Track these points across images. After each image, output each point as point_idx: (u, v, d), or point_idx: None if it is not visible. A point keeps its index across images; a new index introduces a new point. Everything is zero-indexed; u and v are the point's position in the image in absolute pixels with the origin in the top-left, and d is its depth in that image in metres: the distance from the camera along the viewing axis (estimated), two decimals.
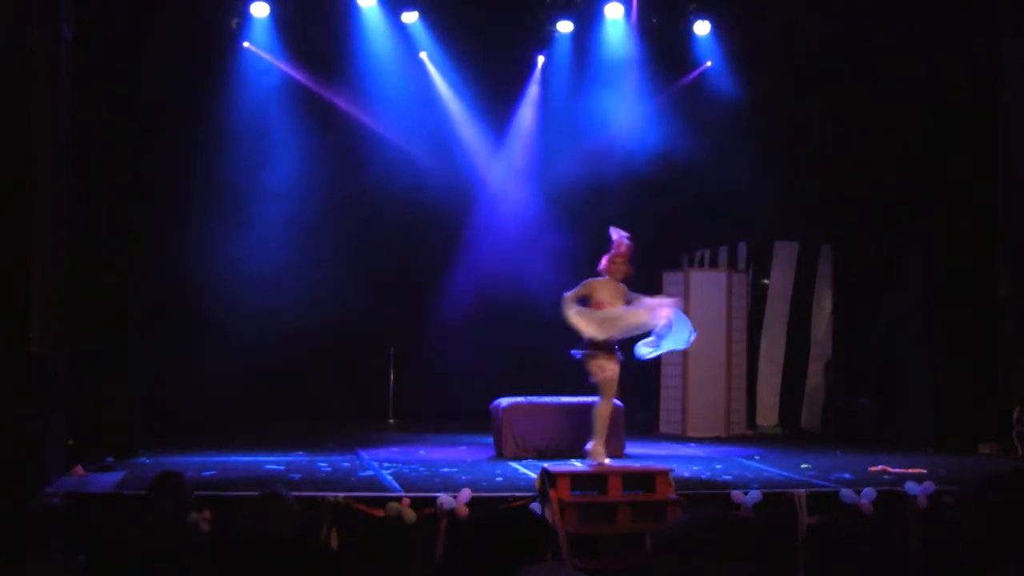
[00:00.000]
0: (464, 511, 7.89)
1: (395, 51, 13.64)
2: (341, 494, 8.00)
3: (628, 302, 9.64)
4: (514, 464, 10.14)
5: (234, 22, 12.93)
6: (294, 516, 5.25)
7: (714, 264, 14.30)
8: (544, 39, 13.82)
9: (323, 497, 7.88)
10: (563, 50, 13.99)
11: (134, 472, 9.08)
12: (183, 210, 13.27)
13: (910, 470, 9.61)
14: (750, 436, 13.29)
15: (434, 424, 13.20)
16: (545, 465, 8.42)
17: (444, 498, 7.98)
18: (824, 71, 13.18)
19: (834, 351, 13.95)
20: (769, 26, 13.04)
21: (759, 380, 13.91)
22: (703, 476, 9.48)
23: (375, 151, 13.81)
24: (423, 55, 13.84)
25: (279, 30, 13.13)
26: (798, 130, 13.50)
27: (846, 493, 8.46)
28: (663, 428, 13.50)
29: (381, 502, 7.99)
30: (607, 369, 9.48)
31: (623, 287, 9.64)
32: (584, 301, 9.53)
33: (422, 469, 9.68)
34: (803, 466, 10.05)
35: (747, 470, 9.91)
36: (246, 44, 13.18)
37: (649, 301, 9.70)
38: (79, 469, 8.98)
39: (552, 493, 7.88)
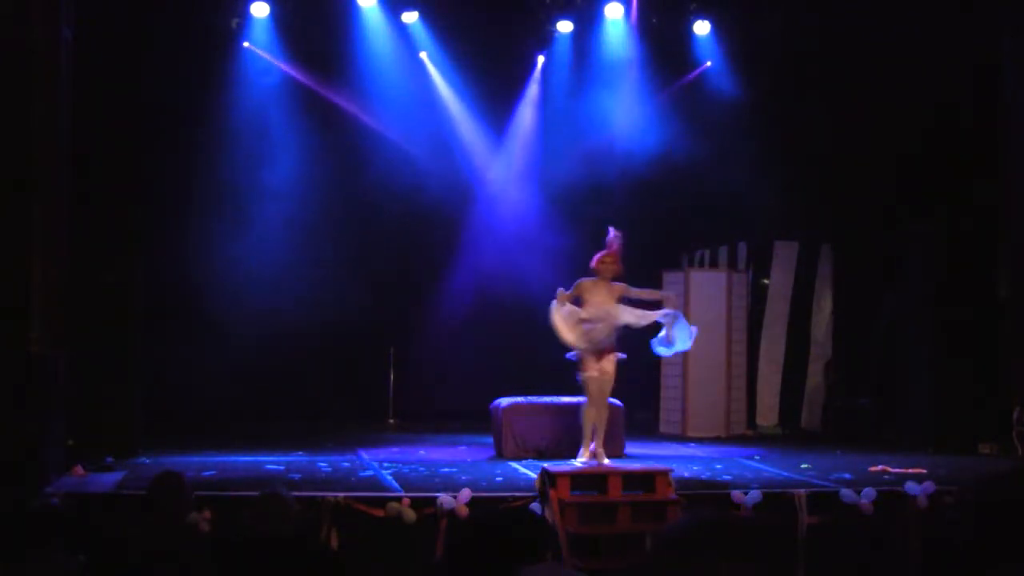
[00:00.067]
0: (464, 511, 7.89)
1: (395, 51, 13.64)
2: (341, 494, 8.00)
3: (625, 299, 9.63)
4: (514, 464, 10.14)
5: (234, 22, 12.93)
6: (294, 516, 5.25)
7: (714, 264, 14.30)
8: (544, 39, 13.82)
9: (323, 497, 7.88)
10: (563, 50, 13.99)
11: (134, 472, 9.08)
12: (183, 210, 13.27)
13: (910, 470, 9.61)
14: (750, 436, 13.29)
15: (434, 424, 13.20)
16: (545, 465, 8.42)
17: (444, 498, 7.98)
18: (824, 71, 13.18)
19: (834, 351, 13.95)
20: (769, 26, 13.04)
21: (759, 380, 13.91)
22: (703, 476, 9.48)
23: (375, 151, 13.81)
24: (423, 55, 13.84)
25: (279, 30, 13.13)
26: (798, 130, 13.50)
27: (846, 493, 8.46)
28: (663, 428, 13.50)
29: (381, 502, 7.99)
30: (589, 368, 9.53)
31: (619, 285, 9.63)
32: (576, 301, 9.55)
33: (422, 469, 9.68)
34: (803, 466, 10.05)
35: (747, 470, 9.91)
36: (246, 44, 13.18)
37: (644, 309, 9.71)
38: (79, 469, 8.98)
39: (552, 493, 7.88)
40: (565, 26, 13.64)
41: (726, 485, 8.91)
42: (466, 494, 8.03)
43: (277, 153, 13.49)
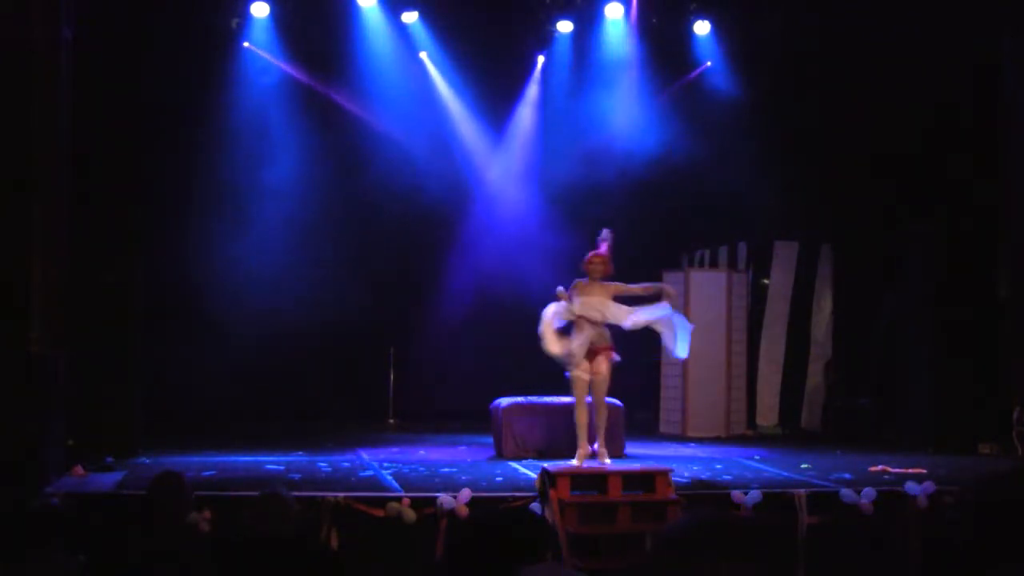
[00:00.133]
0: (464, 511, 7.89)
1: (395, 51, 13.64)
2: (341, 494, 8.00)
3: (622, 298, 9.65)
4: (514, 464, 10.14)
5: (234, 22, 12.93)
6: (294, 516, 5.25)
7: (714, 264, 14.30)
8: (544, 39, 13.82)
9: (323, 497, 7.88)
10: (563, 50, 13.99)
11: (134, 472, 9.08)
12: (183, 210, 13.27)
13: (910, 470, 9.61)
14: (750, 436, 13.29)
15: (434, 424, 13.21)
16: (545, 465, 8.41)
17: (444, 498, 7.97)
18: (824, 71, 13.17)
19: (834, 351, 13.95)
20: (769, 26, 13.04)
21: (759, 380, 13.91)
22: (703, 476, 9.47)
23: (375, 151, 13.81)
24: (423, 55, 13.85)
25: (279, 30, 13.13)
26: (798, 130, 13.50)
27: (846, 493, 8.46)
28: (663, 428, 13.50)
29: (381, 502, 7.99)
30: (581, 369, 9.57)
31: (612, 284, 9.65)
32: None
33: (422, 469, 9.68)
34: (803, 466, 10.05)
35: (747, 470, 9.91)
36: (246, 44, 13.18)
37: (638, 310, 9.70)
38: (79, 469, 8.98)
39: (552, 493, 7.88)
40: (565, 26, 13.64)
41: (726, 485, 8.91)
42: (466, 494, 8.03)
43: (277, 153, 13.49)
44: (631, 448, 11.09)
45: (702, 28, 13.55)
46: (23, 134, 8.42)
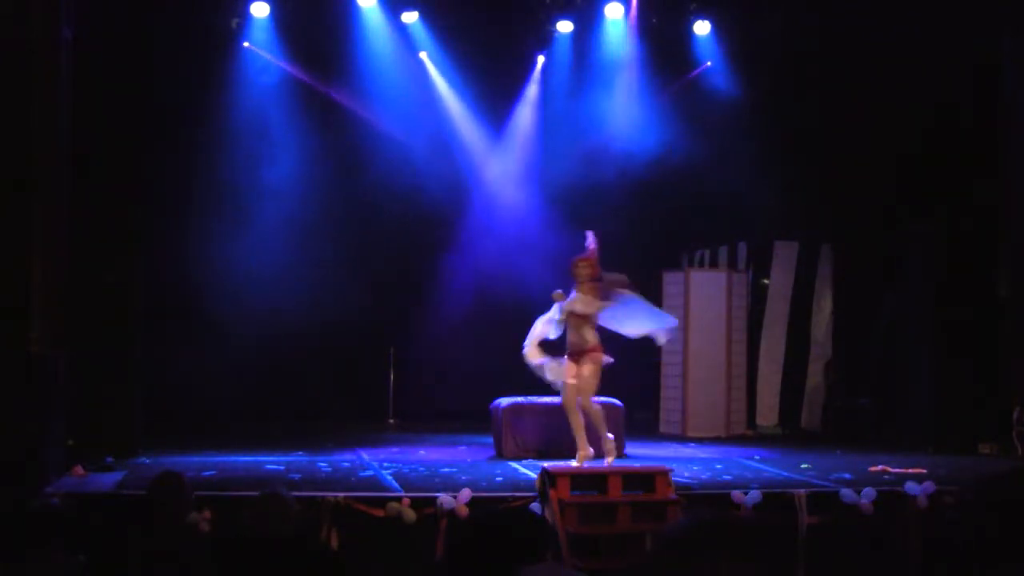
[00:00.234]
0: (464, 511, 7.89)
1: (395, 51, 13.64)
2: (341, 494, 8.00)
3: (602, 295, 9.81)
4: (514, 464, 10.14)
5: (234, 22, 12.93)
6: (294, 516, 5.25)
7: (714, 264, 14.30)
8: (544, 39, 13.82)
9: (323, 497, 7.88)
10: (563, 50, 13.99)
11: (134, 472, 9.08)
12: (183, 210, 13.27)
13: (910, 470, 9.61)
14: (750, 436, 13.29)
15: (434, 424, 13.20)
16: (545, 465, 8.42)
17: (444, 498, 7.98)
18: (824, 71, 13.17)
19: (834, 351, 13.95)
20: (769, 26, 13.04)
21: (759, 380, 13.90)
22: (703, 476, 9.47)
23: (375, 151, 13.81)
24: (423, 55, 13.84)
25: (279, 30, 13.13)
26: (798, 130, 13.50)
27: (846, 493, 8.46)
28: (663, 428, 13.50)
29: (381, 502, 7.99)
30: (567, 375, 9.77)
31: (597, 284, 9.76)
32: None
33: (422, 469, 9.68)
34: (803, 466, 10.05)
35: (747, 470, 9.91)
36: (246, 44, 13.18)
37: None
38: (79, 469, 8.98)
39: (552, 493, 7.88)
40: (565, 26, 13.64)
41: (726, 485, 8.91)
42: (466, 494, 8.03)
43: (277, 153, 13.49)
44: (631, 448, 11.08)
45: (702, 28, 13.55)
46: (23, 134, 8.42)
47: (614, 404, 10.97)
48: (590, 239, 9.97)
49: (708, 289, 13.47)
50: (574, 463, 9.54)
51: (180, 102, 12.76)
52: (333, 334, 13.71)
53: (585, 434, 9.82)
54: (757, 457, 10.85)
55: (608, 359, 9.75)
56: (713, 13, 13.42)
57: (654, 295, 13.58)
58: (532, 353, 9.99)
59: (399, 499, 8.01)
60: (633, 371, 13.45)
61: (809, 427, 13.81)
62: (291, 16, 12.97)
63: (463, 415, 13.07)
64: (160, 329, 12.08)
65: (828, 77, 13.18)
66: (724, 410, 13.33)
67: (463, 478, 9.02)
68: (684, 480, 8.97)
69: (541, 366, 9.97)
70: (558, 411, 10.81)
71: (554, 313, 9.95)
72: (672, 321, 10.25)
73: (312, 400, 13.68)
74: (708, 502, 8.35)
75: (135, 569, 5.98)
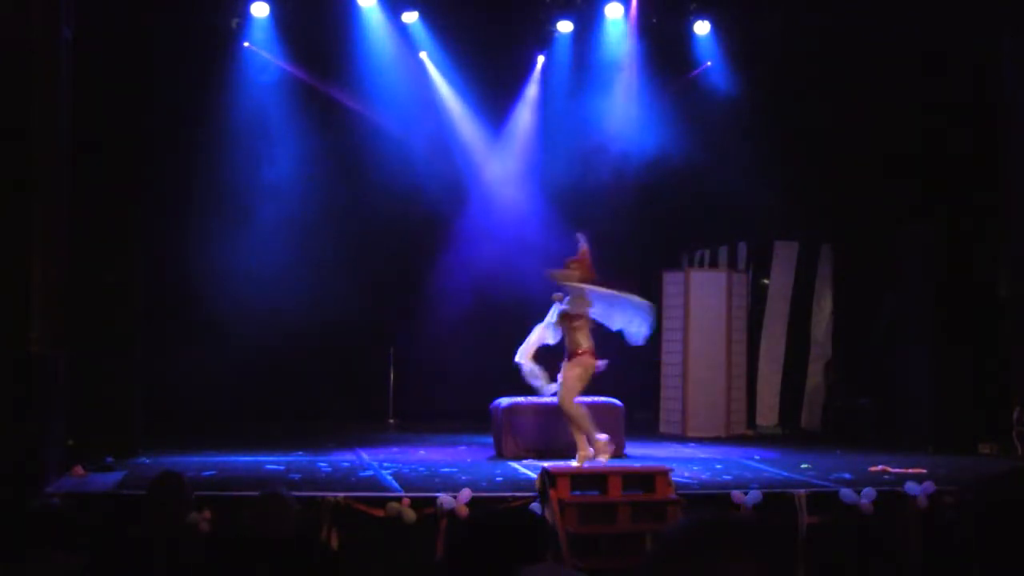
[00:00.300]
0: (464, 511, 7.89)
1: (395, 51, 13.64)
2: (341, 494, 8.00)
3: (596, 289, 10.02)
4: (514, 464, 10.14)
5: (234, 22, 12.93)
6: (294, 516, 5.25)
7: (714, 264, 14.30)
8: (544, 39, 13.82)
9: (323, 497, 7.87)
10: (563, 50, 13.99)
11: (134, 472, 9.08)
12: (183, 210, 13.28)
13: (910, 470, 9.61)
14: (750, 436, 13.29)
15: (434, 424, 13.20)
16: (545, 465, 8.42)
17: (444, 498, 7.97)
18: (824, 71, 13.17)
19: (834, 351, 13.95)
20: (769, 26, 13.04)
21: (759, 380, 13.90)
22: (703, 476, 9.48)
23: (375, 151, 13.81)
24: (423, 55, 13.85)
25: (279, 30, 13.13)
26: (798, 130, 13.50)
27: (846, 493, 8.46)
28: (663, 428, 13.50)
29: (381, 502, 7.99)
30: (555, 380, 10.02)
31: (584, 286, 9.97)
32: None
33: (422, 469, 9.68)
34: (803, 466, 10.05)
35: (747, 470, 9.91)
36: (246, 44, 13.18)
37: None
38: (79, 469, 8.98)
39: (552, 493, 7.88)
40: (565, 26, 13.64)
41: (726, 485, 8.91)
42: (466, 494, 8.03)
43: (277, 153, 13.50)
44: (631, 448, 11.08)
45: (702, 28, 13.55)
46: (23, 134, 8.41)
47: (614, 404, 10.97)
48: (581, 241, 10.05)
49: (708, 289, 13.46)
50: (574, 463, 9.55)
51: (180, 102, 12.76)
52: (333, 334, 13.71)
53: (584, 434, 9.85)
54: (757, 457, 10.85)
55: (600, 364, 9.82)
56: (713, 13, 13.42)
57: (654, 295, 13.60)
58: (523, 356, 10.10)
59: (399, 499, 8.01)
60: (633, 371, 13.47)
61: (809, 427, 13.81)
62: (291, 16, 12.98)
63: (463, 415, 13.07)
64: (160, 329, 12.09)
65: (828, 77, 13.18)
66: (724, 410, 13.33)
67: (463, 478, 9.02)
68: (684, 480, 8.97)
69: (531, 371, 10.12)
70: (558, 411, 10.82)
71: (551, 317, 10.09)
72: (645, 310, 10.28)
73: (312, 400, 13.68)
74: (708, 502, 8.35)
75: (134, 569, 5.98)
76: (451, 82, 14.02)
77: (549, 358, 10.36)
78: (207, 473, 9.12)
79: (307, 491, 7.97)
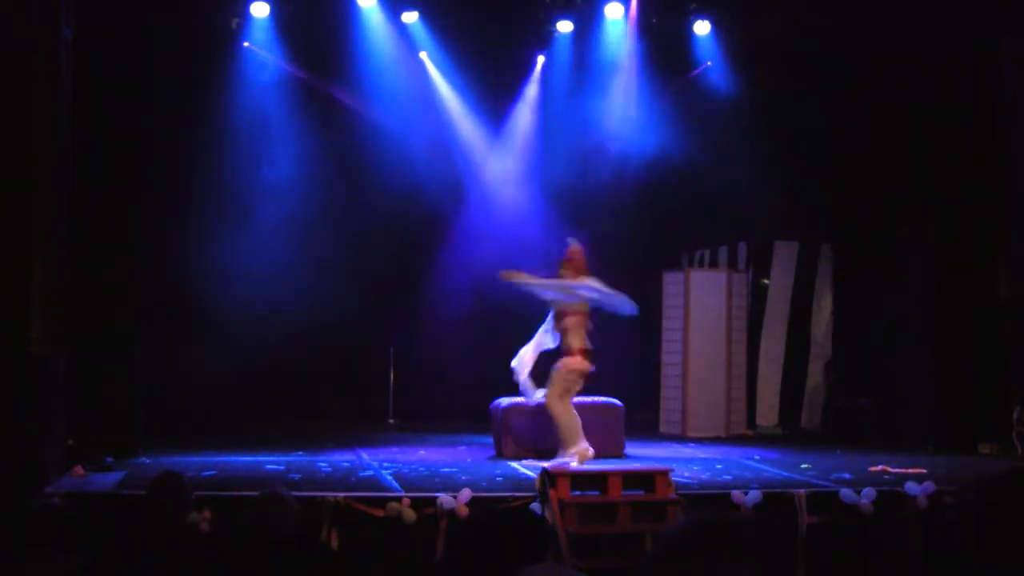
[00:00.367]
0: (464, 511, 7.89)
1: (395, 51, 13.64)
2: (341, 494, 8.00)
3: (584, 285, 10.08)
4: (514, 464, 10.14)
5: (234, 22, 12.93)
6: (294, 516, 5.25)
7: (714, 264, 14.30)
8: (544, 39, 13.82)
9: (323, 497, 7.87)
10: (563, 50, 13.99)
11: (134, 472, 9.08)
12: (183, 210, 13.28)
13: (910, 470, 9.61)
14: (750, 436, 13.29)
15: (434, 424, 13.20)
16: (545, 465, 8.42)
17: (444, 498, 7.97)
18: (824, 71, 13.17)
19: (834, 351, 13.95)
20: (769, 26, 13.04)
21: (759, 380, 13.90)
22: (703, 476, 9.47)
23: (375, 151, 13.81)
24: (423, 55, 13.85)
25: (279, 30, 13.13)
26: (798, 130, 13.50)
27: (846, 493, 8.46)
28: (663, 428, 13.50)
29: (381, 502, 7.99)
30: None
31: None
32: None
33: (422, 469, 9.68)
34: (803, 466, 10.05)
35: (747, 470, 9.91)
36: (246, 44, 13.18)
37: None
38: (79, 469, 8.97)
39: (552, 493, 7.88)
40: (565, 26, 13.64)
41: (726, 485, 8.91)
42: (466, 494, 8.03)
43: (277, 153, 13.50)
44: (631, 448, 11.08)
45: (702, 28, 13.55)
46: (23, 134, 8.41)
47: (614, 404, 10.98)
48: (571, 241, 10.12)
49: (708, 289, 13.46)
50: (573, 463, 9.55)
51: (180, 102, 12.76)
52: (333, 334, 13.71)
53: (582, 432, 9.84)
54: (757, 457, 10.85)
55: (588, 366, 9.85)
56: (713, 13, 13.42)
57: (654, 295, 13.62)
58: (519, 364, 10.16)
59: (399, 499, 8.01)
60: (633, 371, 13.48)
61: (809, 427, 13.81)
62: (291, 16, 12.97)
63: (463, 415, 13.07)
64: (160, 329, 12.08)
65: (828, 77, 13.18)
66: (724, 410, 13.33)
67: (463, 478, 9.02)
68: (684, 480, 8.97)
69: (524, 384, 10.19)
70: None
71: (548, 323, 10.14)
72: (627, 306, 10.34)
73: (312, 400, 13.68)
74: (708, 502, 8.35)
75: (134, 569, 5.97)
76: (451, 82, 14.02)
77: (548, 359, 10.35)
78: (207, 473, 9.12)
79: (307, 491, 7.97)
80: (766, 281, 14.12)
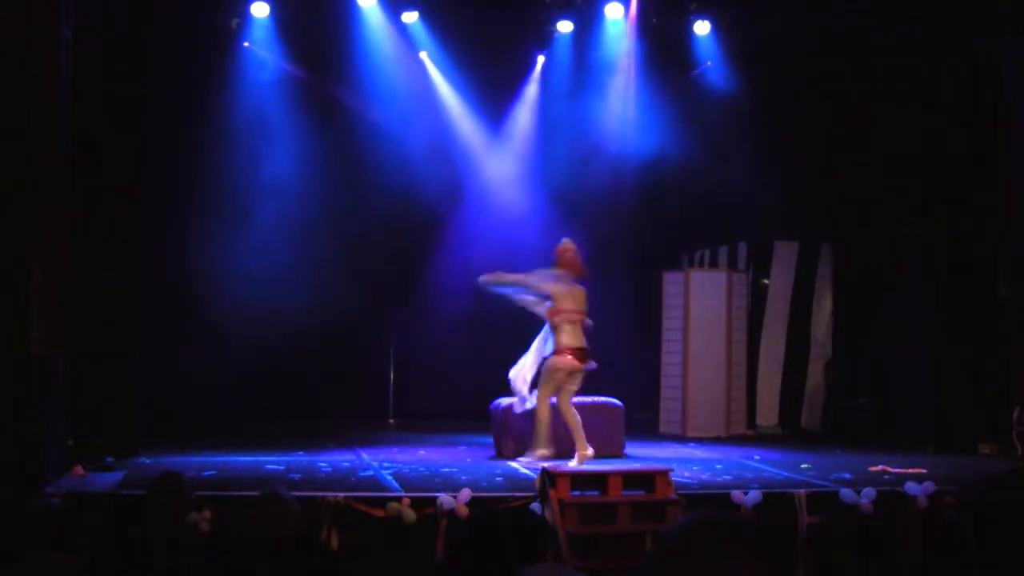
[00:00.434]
0: (464, 511, 7.88)
1: (395, 51, 13.64)
2: (341, 494, 7.99)
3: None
4: (514, 464, 10.14)
5: (234, 22, 12.93)
6: (294, 516, 5.25)
7: (714, 264, 14.30)
8: (544, 39, 13.82)
9: (323, 497, 7.87)
10: (563, 50, 13.99)
11: (134, 472, 9.08)
12: (183, 210, 13.28)
13: (910, 470, 9.61)
14: (750, 436, 13.29)
15: (434, 424, 13.20)
16: (545, 465, 8.42)
17: (444, 498, 7.97)
18: (824, 71, 13.18)
19: (834, 351, 13.95)
20: (769, 26, 13.04)
21: (759, 380, 13.91)
22: (703, 476, 9.47)
23: (375, 151, 13.82)
24: (423, 55, 13.85)
25: (279, 30, 13.13)
26: (798, 130, 13.51)
27: (846, 493, 8.46)
28: (663, 428, 13.50)
29: (381, 502, 7.99)
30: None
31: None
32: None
33: (422, 469, 9.67)
34: (803, 466, 10.05)
35: (747, 470, 9.91)
36: (246, 44, 13.18)
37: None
38: (79, 469, 8.97)
39: (552, 493, 7.88)
40: (565, 26, 13.64)
41: (726, 485, 8.91)
42: (466, 494, 8.03)
43: (277, 153, 13.50)
44: (631, 448, 11.08)
45: (702, 28, 13.54)
46: (23, 134, 8.41)
47: (614, 404, 10.98)
48: (564, 241, 10.27)
49: (708, 289, 13.46)
50: (573, 463, 9.55)
51: (180, 102, 12.77)
52: (333, 334, 13.71)
53: (582, 432, 9.85)
54: (757, 457, 10.85)
55: (574, 364, 9.87)
56: (713, 13, 13.41)
57: (654, 295, 13.63)
58: (516, 372, 10.19)
59: (399, 499, 8.01)
60: (633, 371, 13.47)
61: (809, 427, 13.81)
62: (291, 16, 12.97)
63: (463, 415, 13.07)
64: (160, 329, 12.08)
65: (828, 77, 13.18)
66: (724, 410, 13.33)
67: (463, 478, 9.01)
68: (684, 480, 8.97)
69: (519, 395, 10.23)
70: (556, 411, 10.83)
71: (546, 329, 10.22)
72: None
73: (312, 400, 13.68)
74: (708, 502, 8.35)
75: (135, 569, 5.97)
76: (451, 82, 14.02)
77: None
78: (207, 473, 9.12)
79: (307, 491, 7.97)
80: (766, 281, 14.12)
